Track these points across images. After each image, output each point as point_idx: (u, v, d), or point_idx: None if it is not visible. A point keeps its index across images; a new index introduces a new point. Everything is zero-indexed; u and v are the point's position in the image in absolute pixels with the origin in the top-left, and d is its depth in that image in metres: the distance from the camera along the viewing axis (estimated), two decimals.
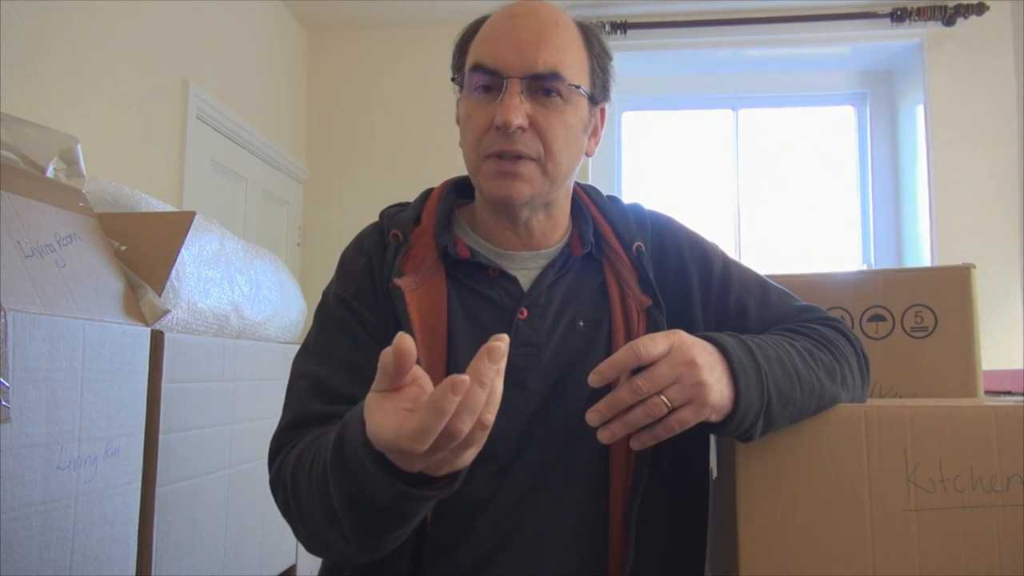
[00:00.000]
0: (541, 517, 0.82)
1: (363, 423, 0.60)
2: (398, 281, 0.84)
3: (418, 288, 0.85)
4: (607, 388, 0.77)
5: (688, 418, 0.71)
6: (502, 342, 0.56)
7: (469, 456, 0.61)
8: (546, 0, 0.88)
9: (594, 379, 0.71)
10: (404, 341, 0.56)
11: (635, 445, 0.74)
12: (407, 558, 0.80)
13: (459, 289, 0.88)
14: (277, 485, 0.79)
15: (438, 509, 0.80)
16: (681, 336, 0.72)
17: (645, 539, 0.82)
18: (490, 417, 0.58)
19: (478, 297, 0.88)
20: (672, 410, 0.70)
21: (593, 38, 0.89)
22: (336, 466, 0.66)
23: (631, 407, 0.71)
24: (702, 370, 0.70)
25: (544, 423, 0.84)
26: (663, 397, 0.70)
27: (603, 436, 0.73)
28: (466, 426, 0.55)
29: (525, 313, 0.86)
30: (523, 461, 0.83)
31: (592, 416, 0.72)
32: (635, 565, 0.80)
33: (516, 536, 0.81)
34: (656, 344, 0.70)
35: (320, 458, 0.69)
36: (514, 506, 0.82)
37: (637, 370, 0.71)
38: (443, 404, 0.53)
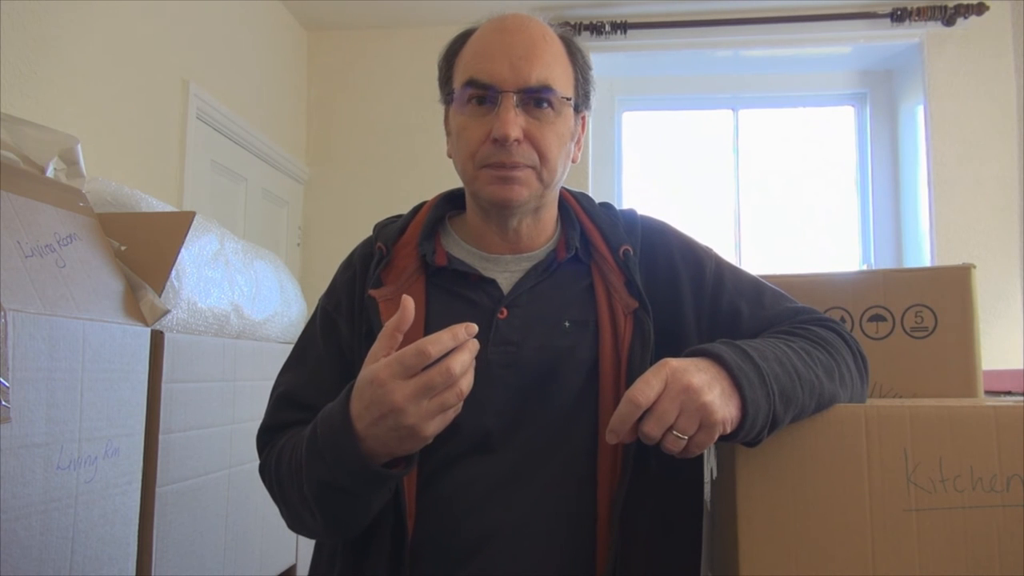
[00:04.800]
0: (527, 512, 0.83)
1: (344, 404, 0.73)
2: (374, 292, 0.89)
3: (394, 297, 0.88)
4: (594, 383, 0.86)
5: (704, 440, 0.72)
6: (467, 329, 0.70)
7: (436, 424, 0.71)
8: (532, 15, 0.92)
9: (611, 439, 0.74)
10: (407, 303, 0.72)
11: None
12: (386, 555, 0.83)
13: (440, 295, 0.91)
14: (265, 471, 0.90)
15: (420, 497, 0.84)
16: (671, 365, 0.72)
17: (633, 538, 0.82)
18: (465, 387, 0.70)
19: (459, 300, 0.91)
20: (690, 437, 0.71)
21: (576, 50, 0.93)
22: (310, 453, 0.77)
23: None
24: (701, 392, 0.70)
25: (528, 419, 0.86)
26: (675, 432, 0.71)
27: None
28: (434, 349, 0.68)
29: (505, 313, 0.89)
30: (507, 454, 0.85)
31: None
32: (622, 564, 0.81)
33: (500, 531, 0.82)
34: (651, 386, 0.71)
35: (297, 450, 0.81)
36: (499, 497, 0.84)
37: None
38: (422, 345, 0.68)
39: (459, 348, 0.70)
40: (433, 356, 0.68)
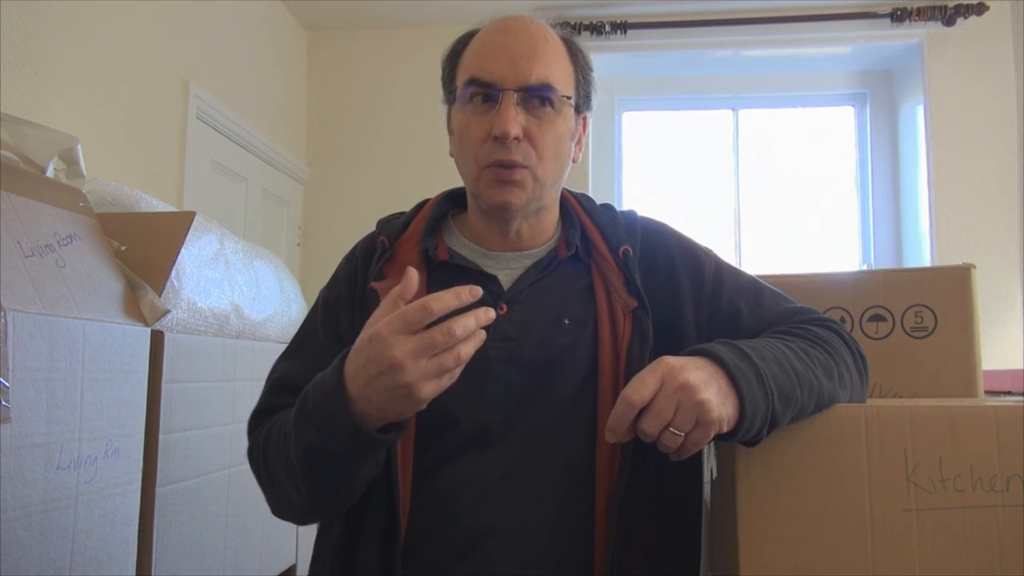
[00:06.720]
0: (524, 508, 0.83)
1: (339, 366, 0.73)
2: (376, 284, 0.90)
3: None
4: (593, 381, 0.86)
5: (700, 438, 0.72)
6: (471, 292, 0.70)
7: (432, 387, 0.70)
8: (532, 15, 0.93)
9: (610, 437, 0.74)
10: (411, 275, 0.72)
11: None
12: (378, 552, 0.83)
13: (441, 290, 0.90)
14: (253, 452, 0.90)
15: (417, 493, 0.84)
16: (668, 363, 0.73)
17: (631, 536, 0.83)
18: (464, 353, 0.69)
19: None
20: (686, 435, 0.72)
21: (577, 51, 0.94)
22: (300, 419, 0.76)
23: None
24: (697, 390, 0.70)
25: (527, 415, 0.86)
26: (672, 429, 0.71)
27: None
28: (437, 305, 0.67)
29: (505, 309, 0.90)
30: (505, 450, 0.85)
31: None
32: (619, 562, 0.81)
33: (498, 527, 0.83)
34: (646, 385, 0.71)
35: (286, 422, 0.81)
36: (496, 494, 0.84)
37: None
38: (425, 302, 0.68)
39: (465, 314, 0.69)
40: (436, 312, 0.68)
